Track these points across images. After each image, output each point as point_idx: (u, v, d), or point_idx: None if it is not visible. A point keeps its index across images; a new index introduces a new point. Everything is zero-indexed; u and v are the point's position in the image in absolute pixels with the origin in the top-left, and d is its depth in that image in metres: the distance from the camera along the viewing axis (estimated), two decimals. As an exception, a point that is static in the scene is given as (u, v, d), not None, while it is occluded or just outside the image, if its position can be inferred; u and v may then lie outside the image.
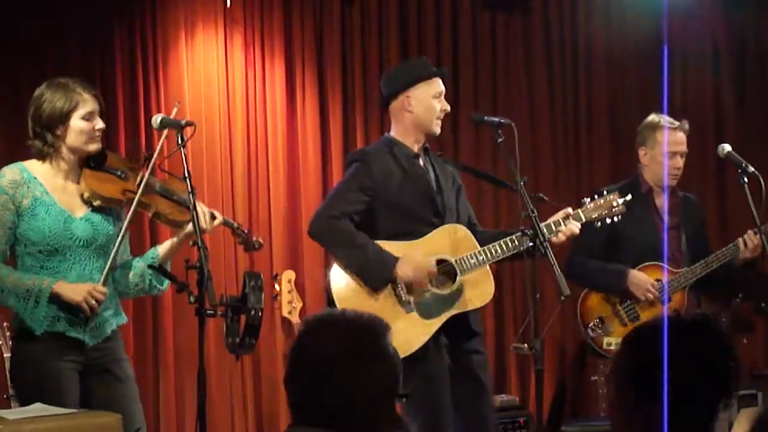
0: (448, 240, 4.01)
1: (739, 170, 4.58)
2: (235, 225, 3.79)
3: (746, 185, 4.53)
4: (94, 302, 3.44)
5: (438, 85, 4.07)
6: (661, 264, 4.70)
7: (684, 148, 4.78)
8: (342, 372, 2.04)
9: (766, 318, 5.50)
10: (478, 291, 4.01)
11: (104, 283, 3.49)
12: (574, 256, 4.70)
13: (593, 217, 4.12)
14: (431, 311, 3.94)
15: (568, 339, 6.10)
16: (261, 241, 3.87)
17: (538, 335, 3.70)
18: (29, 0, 5.23)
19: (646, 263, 4.70)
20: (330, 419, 2.03)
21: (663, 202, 4.79)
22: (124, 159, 3.77)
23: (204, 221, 3.56)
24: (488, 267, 4.04)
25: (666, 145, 4.71)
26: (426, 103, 4.04)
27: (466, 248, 4.01)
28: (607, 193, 4.15)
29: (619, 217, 4.17)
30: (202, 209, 3.57)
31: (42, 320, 3.45)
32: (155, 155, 3.58)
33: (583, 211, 4.09)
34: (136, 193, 3.52)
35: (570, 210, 4.06)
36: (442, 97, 4.08)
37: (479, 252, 3.99)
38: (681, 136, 4.77)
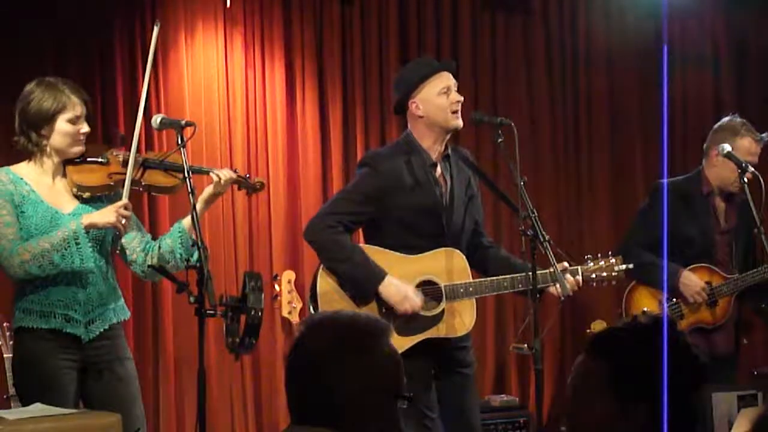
0: (443, 263, 3.97)
1: (739, 170, 4.57)
2: (241, 176, 3.80)
3: (746, 185, 4.52)
4: (124, 220, 3.51)
5: (441, 80, 3.99)
6: (712, 267, 4.67)
7: (757, 159, 4.68)
8: (332, 369, 2.04)
9: (766, 318, 5.49)
10: (458, 321, 3.98)
11: (127, 198, 3.55)
12: (627, 247, 4.64)
13: (591, 277, 4.07)
14: (407, 329, 3.91)
15: (568, 339, 6.10)
16: (262, 180, 3.88)
17: (537, 335, 3.70)
18: (29, 0, 5.23)
19: (697, 264, 4.67)
20: (324, 417, 2.03)
21: (721, 205, 4.74)
22: (101, 145, 3.77)
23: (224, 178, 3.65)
24: (474, 300, 4.00)
25: (744, 154, 4.59)
26: (432, 102, 3.97)
27: (459, 276, 3.97)
28: (611, 255, 4.12)
29: (614, 282, 4.16)
30: (220, 173, 3.66)
31: (91, 256, 3.51)
32: (135, 134, 3.58)
33: (582, 269, 4.04)
34: (122, 174, 3.56)
35: (567, 265, 3.99)
36: (451, 90, 3.98)
37: (470, 284, 3.96)
38: (759, 149, 4.68)
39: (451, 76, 4.03)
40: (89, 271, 3.53)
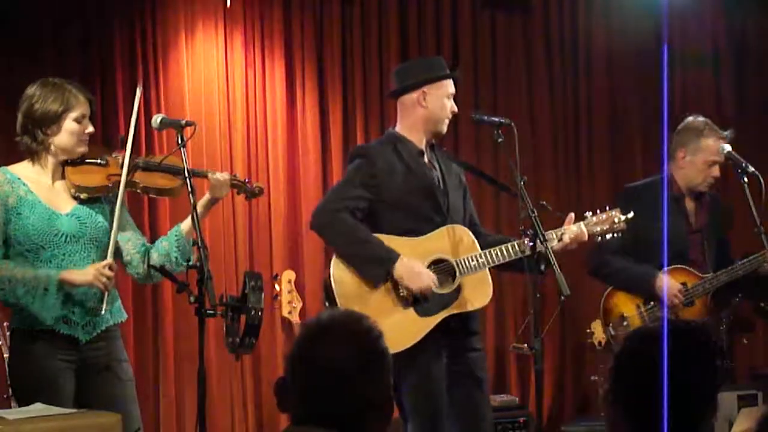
0: (449, 240, 4.00)
1: (739, 170, 4.56)
2: (240, 181, 3.78)
3: (746, 185, 4.52)
4: (105, 279, 3.44)
5: (451, 86, 4.09)
6: (687, 268, 4.67)
7: (723, 159, 4.65)
8: (360, 380, 2.04)
9: (766, 318, 5.49)
10: (477, 293, 4.01)
11: (111, 258, 3.48)
12: (600, 254, 4.65)
13: (595, 231, 4.11)
14: (428, 309, 3.94)
15: (568, 339, 6.11)
16: (261, 186, 3.86)
17: (538, 335, 3.70)
18: (29, 0, 5.24)
19: (673, 266, 4.67)
20: (330, 419, 2.03)
21: (665, 198, 4.76)
22: (102, 147, 3.77)
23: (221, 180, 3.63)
24: (487, 270, 4.04)
25: (710, 154, 4.60)
26: (440, 101, 4.04)
27: (467, 250, 4.00)
28: (609, 207, 4.15)
29: (619, 234, 4.18)
30: (217, 177, 3.64)
31: (51, 308, 3.46)
32: (130, 132, 3.58)
33: (585, 224, 4.09)
34: (120, 176, 3.53)
35: (572, 216, 4.07)
36: (452, 98, 4.09)
37: (480, 255, 3.99)
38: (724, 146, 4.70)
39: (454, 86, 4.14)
40: (44, 320, 3.49)
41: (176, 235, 3.63)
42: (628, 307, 4.69)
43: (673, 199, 4.71)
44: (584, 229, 4.07)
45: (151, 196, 3.76)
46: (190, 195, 3.44)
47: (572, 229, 4.03)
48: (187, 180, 3.45)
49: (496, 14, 6.15)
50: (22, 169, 3.57)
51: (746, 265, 4.59)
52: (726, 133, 4.68)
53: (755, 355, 6.06)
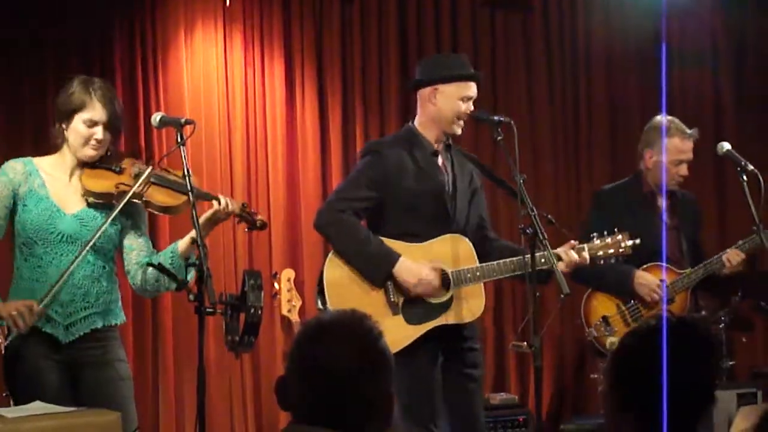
0: (449, 249, 3.98)
1: (738, 168, 4.57)
2: (245, 212, 3.71)
3: (745, 184, 4.53)
4: (18, 318, 3.35)
5: (470, 89, 4.07)
6: (664, 265, 4.68)
7: (691, 155, 4.71)
8: (361, 380, 2.05)
9: (765, 317, 5.49)
10: (468, 306, 3.98)
11: (42, 302, 3.41)
12: None
13: (599, 255, 4.09)
14: (417, 317, 3.92)
15: (567, 337, 6.11)
16: (264, 220, 3.77)
17: (537, 333, 3.70)
18: (29, 0, 5.24)
19: (650, 264, 4.68)
20: (344, 421, 2.04)
21: (663, 203, 4.77)
22: (123, 153, 3.75)
23: (227, 206, 3.57)
24: (482, 284, 4.02)
25: (675, 153, 4.65)
26: (451, 102, 4.03)
27: (466, 261, 3.98)
28: (617, 231, 4.14)
29: (622, 259, 4.17)
30: (226, 201, 3.58)
31: None
32: (164, 157, 3.58)
33: (589, 248, 4.06)
34: (129, 186, 3.51)
35: (575, 243, 4.04)
36: (471, 102, 4.06)
37: (477, 268, 3.97)
38: (690, 144, 4.70)
39: (475, 89, 4.10)
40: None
41: (171, 254, 3.60)
42: (608, 307, 4.70)
43: (644, 197, 4.72)
44: (587, 255, 4.01)
45: (150, 210, 3.72)
46: (191, 194, 3.42)
47: (571, 255, 3.97)
48: (188, 179, 3.44)
49: (496, 14, 6.15)
50: (45, 163, 3.60)
51: (708, 267, 4.64)
52: (691, 131, 4.71)
53: (755, 354, 6.05)
